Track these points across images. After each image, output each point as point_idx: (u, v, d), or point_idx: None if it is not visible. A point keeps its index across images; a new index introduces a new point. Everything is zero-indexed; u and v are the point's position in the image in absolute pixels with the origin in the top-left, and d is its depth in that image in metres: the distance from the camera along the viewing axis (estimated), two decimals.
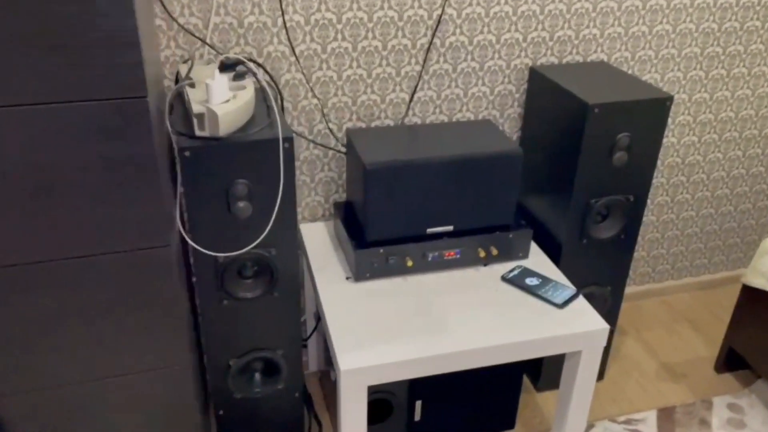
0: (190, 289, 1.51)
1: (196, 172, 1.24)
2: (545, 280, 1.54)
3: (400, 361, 1.29)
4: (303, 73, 1.58)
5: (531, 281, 1.54)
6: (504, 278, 1.54)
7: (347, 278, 1.53)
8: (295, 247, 1.38)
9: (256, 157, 1.25)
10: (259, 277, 1.41)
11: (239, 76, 1.34)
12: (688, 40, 1.85)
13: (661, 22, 1.80)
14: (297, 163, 1.71)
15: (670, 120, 1.98)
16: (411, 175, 1.44)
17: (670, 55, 1.86)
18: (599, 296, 1.75)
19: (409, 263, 1.52)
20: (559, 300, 1.48)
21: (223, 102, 1.22)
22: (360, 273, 1.51)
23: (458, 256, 1.57)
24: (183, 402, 1.35)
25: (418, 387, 1.62)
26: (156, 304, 1.22)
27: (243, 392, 1.52)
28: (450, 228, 1.56)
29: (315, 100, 1.63)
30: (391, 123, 1.73)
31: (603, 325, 1.42)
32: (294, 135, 1.51)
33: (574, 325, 1.41)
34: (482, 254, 1.57)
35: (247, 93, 1.27)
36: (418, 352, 1.31)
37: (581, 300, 1.49)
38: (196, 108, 1.21)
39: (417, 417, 1.67)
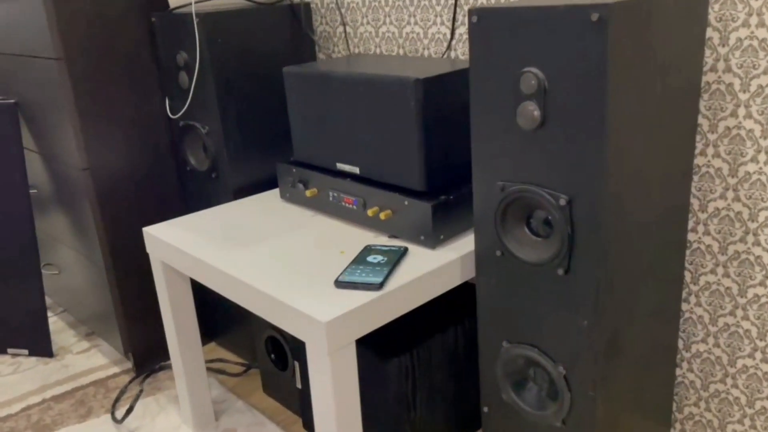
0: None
1: (162, 39, 1.51)
2: (384, 265, 1.06)
3: (179, 248, 1.23)
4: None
5: (374, 259, 1.09)
6: (365, 249, 1.14)
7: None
8: (218, 127, 1.46)
9: (187, 33, 1.41)
10: (205, 154, 1.54)
11: None
12: None
13: None
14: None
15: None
16: (320, 87, 1.26)
17: None
18: (552, 378, 1.00)
19: (309, 193, 1.32)
20: (343, 278, 1.02)
21: None
22: (282, 191, 1.41)
23: (355, 206, 1.24)
24: None
25: (296, 346, 1.39)
26: None
27: None
28: (356, 170, 1.25)
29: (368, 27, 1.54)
30: None
31: (321, 317, 0.92)
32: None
33: (307, 302, 0.98)
34: (371, 213, 1.20)
35: None
36: (198, 253, 1.21)
37: (364, 296, 0.98)
38: None
39: (298, 383, 1.41)
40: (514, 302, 1.04)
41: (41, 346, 1.82)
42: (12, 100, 1.69)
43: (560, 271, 0.95)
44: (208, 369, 1.71)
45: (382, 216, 1.19)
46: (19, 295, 1.78)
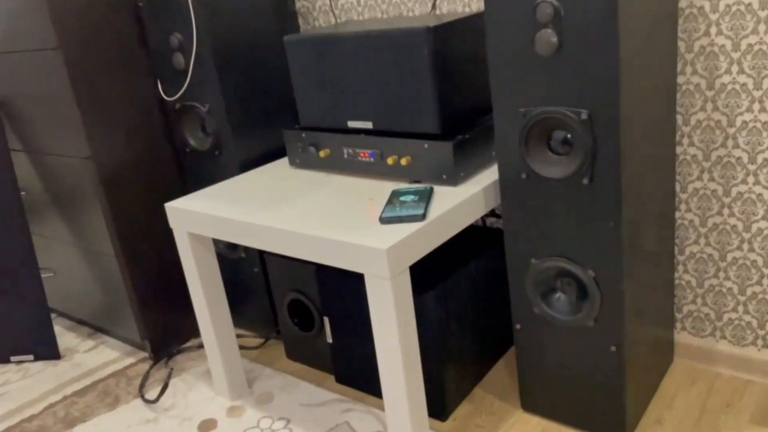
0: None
1: (151, 22, 1.54)
2: (419, 202, 1.15)
3: (212, 215, 1.27)
4: None
5: (406, 198, 1.18)
6: (394, 192, 1.22)
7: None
8: (220, 104, 1.50)
9: (179, 14, 1.45)
10: (204, 133, 1.59)
11: None
12: None
13: None
14: None
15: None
16: (326, 50, 1.33)
17: None
18: (584, 282, 1.12)
19: (322, 154, 1.39)
20: (386, 215, 1.11)
21: None
22: (291, 158, 1.48)
23: (372, 159, 1.33)
24: None
25: (326, 301, 1.46)
26: None
27: None
28: (369, 125, 1.33)
29: None
30: None
31: (380, 245, 1.00)
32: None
33: (361, 236, 1.06)
34: (391, 161, 1.28)
35: None
36: (234, 215, 1.26)
37: (412, 227, 1.07)
38: None
39: (329, 338, 1.48)
40: (540, 220, 1.15)
41: (47, 349, 1.79)
42: None
43: (585, 181, 1.06)
44: None
45: (403, 162, 1.27)
46: (19, 301, 1.75)
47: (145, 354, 1.76)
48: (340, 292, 1.42)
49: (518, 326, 1.27)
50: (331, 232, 1.09)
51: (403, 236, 1.04)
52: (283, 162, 1.55)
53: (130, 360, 1.74)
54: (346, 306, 1.43)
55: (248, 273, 1.70)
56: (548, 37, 1.01)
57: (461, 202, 1.16)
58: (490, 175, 1.28)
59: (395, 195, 1.21)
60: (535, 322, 1.24)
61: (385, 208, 1.15)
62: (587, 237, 1.11)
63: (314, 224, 1.14)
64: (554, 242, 1.15)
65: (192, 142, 1.62)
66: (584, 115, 1.02)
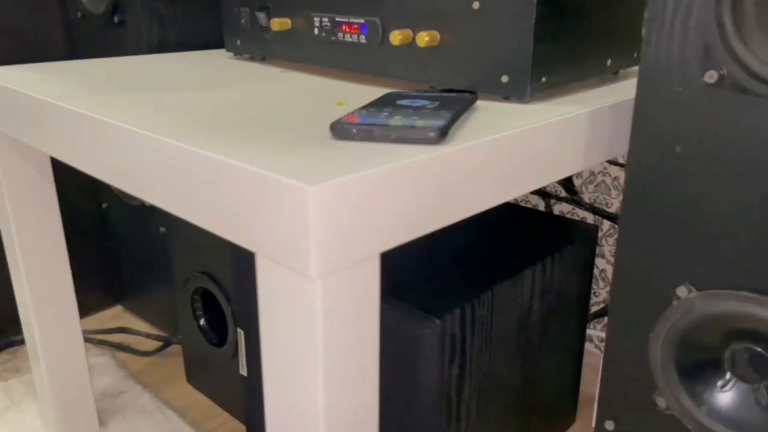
0: None
1: None
2: (439, 109, 0.49)
3: (7, 87, 0.63)
4: None
5: (414, 103, 0.52)
6: (391, 94, 0.56)
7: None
8: None
9: None
10: None
11: None
12: None
13: None
14: None
15: None
16: None
17: None
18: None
19: (276, 25, 0.74)
20: (351, 119, 0.45)
21: None
22: (230, 39, 0.82)
23: (364, 36, 0.67)
24: None
25: (242, 302, 0.79)
26: None
27: None
28: None
29: None
30: None
31: (302, 179, 0.34)
32: None
33: (271, 158, 0.39)
34: (397, 39, 0.62)
35: None
36: (36, 89, 0.61)
37: (404, 153, 0.41)
38: None
39: (242, 367, 0.83)
40: (720, 200, 0.48)
41: None
42: None
43: None
44: (105, 343, 1.10)
45: (421, 42, 0.61)
46: None
47: None
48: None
49: (610, 425, 0.61)
50: (218, 146, 0.44)
51: (373, 169, 0.39)
52: (221, 53, 0.91)
53: None
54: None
55: (151, 233, 1.06)
56: None
57: (540, 126, 0.50)
58: (593, 95, 0.61)
59: (391, 98, 0.55)
60: (653, 424, 0.58)
61: (356, 111, 0.49)
62: None
63: (203, 137, 0.49)
64: (755, 259, 0.48)
65: (84, 0, 0.98)
66: None
